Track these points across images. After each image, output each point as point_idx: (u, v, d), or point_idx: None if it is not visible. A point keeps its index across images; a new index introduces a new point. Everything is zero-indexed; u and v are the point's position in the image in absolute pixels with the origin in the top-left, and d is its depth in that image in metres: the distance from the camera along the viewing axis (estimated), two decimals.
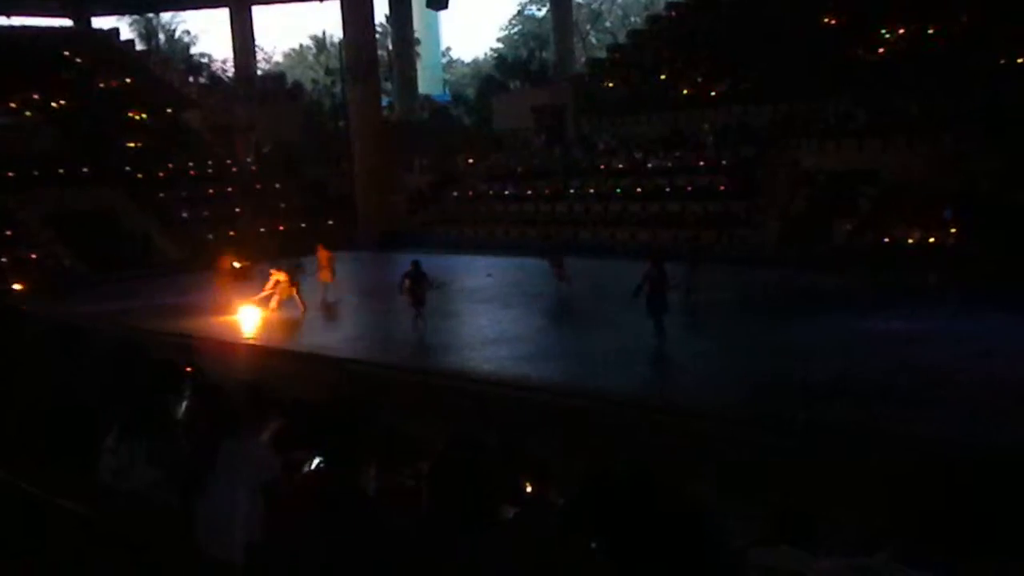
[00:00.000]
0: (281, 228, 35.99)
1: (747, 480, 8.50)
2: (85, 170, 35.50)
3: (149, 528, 4.21)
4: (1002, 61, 28.02)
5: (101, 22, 53.60)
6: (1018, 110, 25.07)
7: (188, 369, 7.11)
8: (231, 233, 34.00)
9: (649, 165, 34.84)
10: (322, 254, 25.05)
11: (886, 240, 25.47)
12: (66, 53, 42.96)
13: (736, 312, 20.62)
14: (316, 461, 4.81)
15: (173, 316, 22.05)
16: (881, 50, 32.60)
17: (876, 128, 28.82)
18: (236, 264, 27.18)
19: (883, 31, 32.99)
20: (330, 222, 37.80)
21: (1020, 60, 27.91)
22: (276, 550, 3.95)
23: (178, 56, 66.90)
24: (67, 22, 49.48)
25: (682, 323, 19.03)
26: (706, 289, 21.10)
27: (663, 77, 38.91)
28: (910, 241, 25.05)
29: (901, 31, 32.57)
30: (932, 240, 24.62)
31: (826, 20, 34.84)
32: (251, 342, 19.76)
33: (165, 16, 71.54)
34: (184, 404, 6.38)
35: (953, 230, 24.32)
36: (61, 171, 35.04)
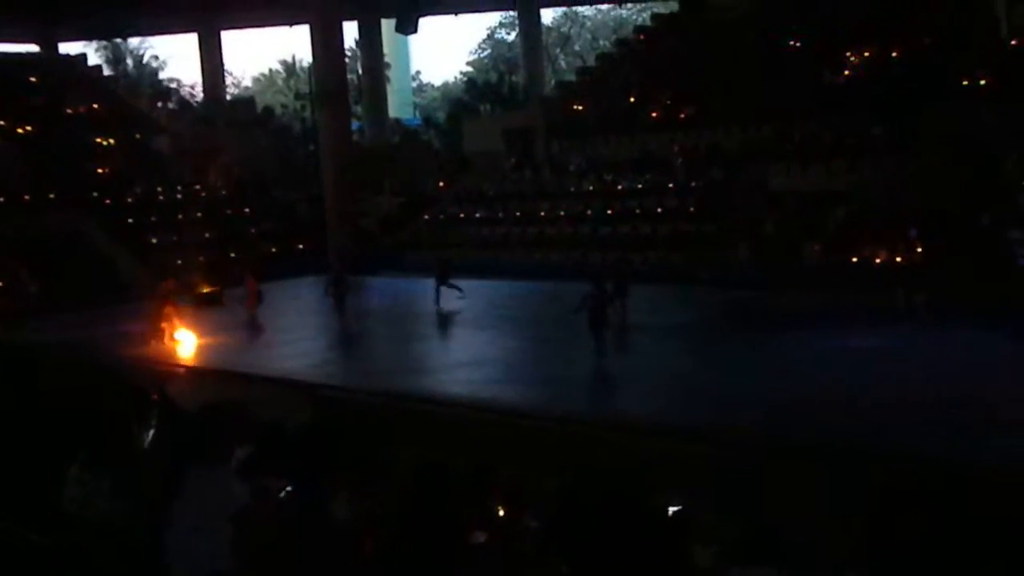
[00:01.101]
0: (252, 253, 35.78)
1: (719, 500, 8.50)
2: (52, 196, 35.18)
3: (114, 558, 4.14)
4: (965, 83, 28.44)
5: (68, 47, 53.41)
6: (981, 131, 25.45)
7: (154, 397, 7.02)
8: (200, 258, 33.75)
9: (619, 187, 35.00)
10: (251, 284, 25.30)
11: (854, 260, 25.68)
12: (33, 79, 42.64)
13: (705, 333, 20.70)
14: (286, 488, 4.76)
15: (139, 343, 21.82)
16: (847, 72, 32.99)
17: (843, 149, 29.14)
18: (206, 289, 27.07)
19: (848, 54, 33.39)
20: (300, 246, 37.65)
21: (982, 82, 28.33)
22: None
23: (146, 81, 66.64)
24: (34, 47, 49.17)
25: (655, 345, 19.11)
26: (678, 311, 21.23)
27: (632, 100, 39.14)
28: (877, 261, 25.28)
29: (866, 54, 32.98)
30: (899, 259, 24.86)
31: (792, 43, 35.23)
32: (217, 368, 19.58)
33: (133, 41, 71.32)
34: (151, 432, 6.29)
35: (919, 249, 24.58)
36: (27, 197, 34.71)
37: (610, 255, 31.23)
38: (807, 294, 22.83)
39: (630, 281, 20.94)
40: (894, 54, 32.03)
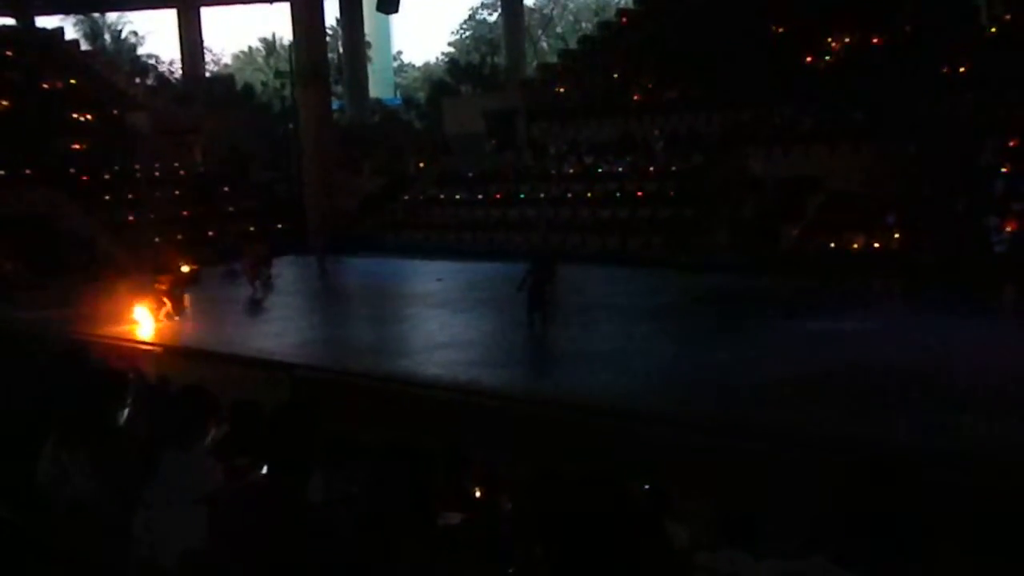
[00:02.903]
0: (230, 231, 35.59)
1: (692, 483, 8.57)
2: (28, 172, 34.83)
3: (88, 538, 4.13)
4: (944, 70, 28.58)
5: (45, 21, 52.74)
6: (958, 117, 25.62)
7: (130, 376, 6.98)
8: (178, 236, 33.55)
9: (600, 170, 35.02)
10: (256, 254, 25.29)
11: (832, 245, 25.85)
12: (8, 53, 42.12)
13: (685, 317, 20.77)
14: (263, 468, 4.76)
15: (116, 322, 21.69)
16: (828, 58, 33.10)
17: (822, 135, 29.25)
18: (183, 268, 26.86)
19: (830, 40, 33.49)
20: (279, 225, 37.48)
21: (961, 69, 28.48)
22: (215, 557, 3.89)
23: (124, 57, 65.95)
24: (10, 21, 48.54)
25: (631, 327, 19.18)
26: (652, 294, 21.30)
27: (614, 82, 39.14)
28: (855, 246, 25.45)
29: (847, 40, 33.09)
30: (876, 245, 25.04)
31: (774, 28, 35.29)
32: (193, 347, 19.50)
33: (111, 16, 70.47)
34: (125, 412, 6.27)
35: (896, 235, 24.76)
36: (2, 173, 34.34)
37: (593, 238, 31.49)
38: (784, 279, 22.97)
39: (555, 262, 20.94)
40: (874, 41, 32.16)
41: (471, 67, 64.62)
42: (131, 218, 35.24)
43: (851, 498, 2.84)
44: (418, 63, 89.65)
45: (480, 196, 37.01)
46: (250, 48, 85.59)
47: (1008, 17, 30.14)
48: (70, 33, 54.76)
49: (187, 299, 23.18)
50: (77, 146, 37.89)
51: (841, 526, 2.79)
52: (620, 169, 34.42)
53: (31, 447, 5.22)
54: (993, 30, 30.10)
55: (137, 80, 49.14)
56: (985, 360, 14.35)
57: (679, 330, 19.25)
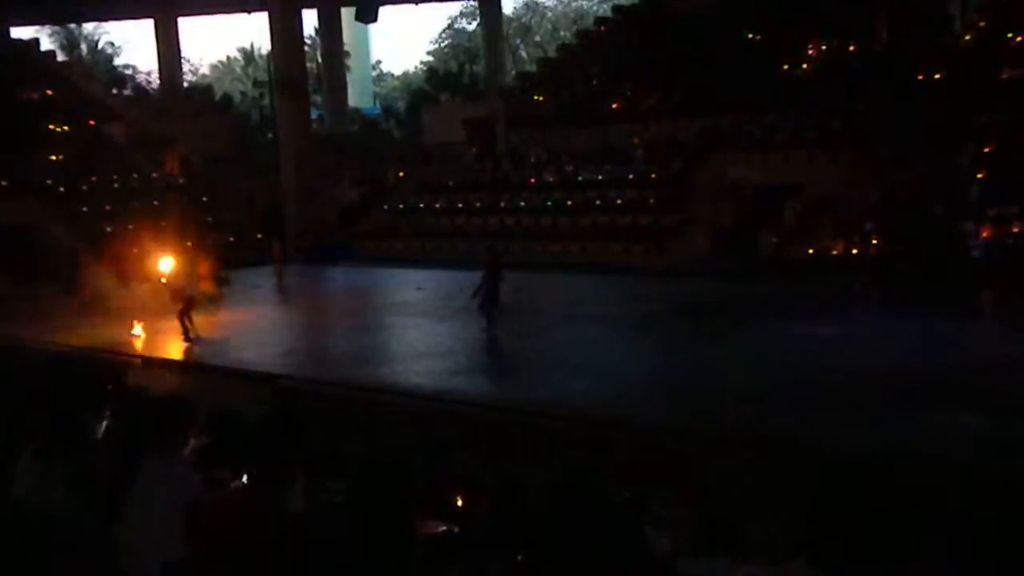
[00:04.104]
0: (208, 242, 35.40)
1: (674, 489, 8.58)
2: (3, 183, 34.57)
3: (66, 551, 4.09)
4: (920, 77, 28.82)
5: (21, 32, 52.41)
6: (934, 124, 25.81)
7: (108, 386, 6.94)
8: (156, 248, 33.32)
9: (580, 178, 35.08)
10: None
11: (811, 251, 25.98)
12: None
13: (664, 323, 20.82)
14: (242, 478, 4.74)
15: (94, 331, 21.53)
16: (805, 66, 33.31)
17: (800, 142, 29.43)
18: (162, 279, 26.63)
19: (807, 47, 33.71)
20: (258, 235, 37.33)
21: (936, 76, 28.72)
22: (195, 568, 3.87)
23: (102, 68, 65.58)
24: None
25: (611, 335, 19.21)
26: (632, 302, 21.33)
27: (592, 91, 39.25)
28: (834, 252, 25.59)
29: (824, 47, 33.32)
30: (855, 251, 25.18)
31: (751, 36, 35.49)
32: (174, 358, 19.39)
33: (88, 27, 70.09)
34: (104, 422, 6.23)
35: (875, 241, 24.92)
36: None
37: (573, 246, 31.55)
38: (762, 284, 23.10)
39: (502, 267, 20.94)
40: (851, 48, 32.39)
41: (450, 76, 64.67)
42: (109, 229, 35.02)
43: (830, 501, 2.85)
44: (397, 72, 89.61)
45: (460, 205, 37.01)
46: (228, 58, 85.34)
47: (982, 24, 30.44)
48: (46, 44, 54.39)
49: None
50: (54, 157, 37.64)
51: (821, 530, 2.80)
52: (600, 177, 34.51)
53: (8, 458, 5.18)
54: (968, 37, 30.38)
55: (114, 91, 48.95)
56: (952, 361, 14.53)
57: (658, 338, 19.29)
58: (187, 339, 20.40)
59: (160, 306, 22.29)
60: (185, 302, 20.66)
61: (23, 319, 23.19)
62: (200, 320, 21.08)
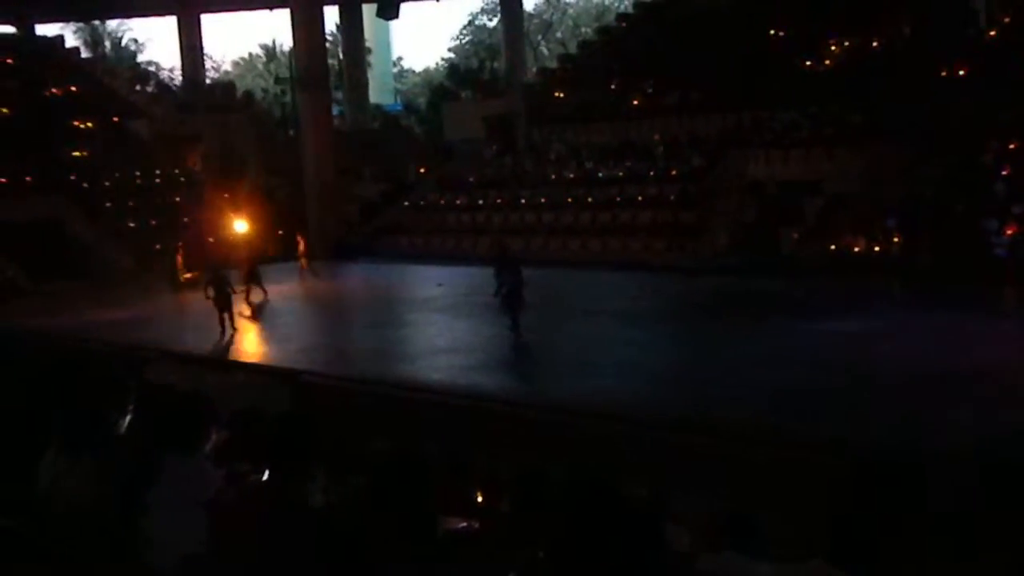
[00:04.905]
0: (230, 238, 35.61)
1: (693, 485, 8.57)
2: (29, 179, 34.88)
3: (90, 546, 4.13)
4: (943, 73, 28.59)
5: (45, 29, 52.79)
6: (958, 120, 25.61)
7: (132, 382, 6.99)
8: (179, 243, 33.61)
9: (600, 175, 35.02)
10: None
11: (832, 248, 25.82)
12: (9, 60, 42.17)
13: (685, 320, 20.78)
14: (264, 473, 4.76)
15: (118, 328, 21.70)
16: (827, 62, 33.11)
17: (822, 138, 29.25)
18: (186, 275, 26.88)
19: (829, 43, 33.50)
20: (280, 232, 37.48)
21: (960, 72, 28.49)
22: (217, 562, 3.90)
23: (125, 64, 66.00)
24: (10, 29, 48.59)
25: (637, 331, 19.17)
26: (653, 297, 21.30)
27: (613, 87, 39.15)
28: (856, 249, 25.42)
29: (846, 43, 33.10)
30: (877, 248, 25.00)
31: (773, 32, 35.31)
32: (198, 353, 19.50)
33: (111, 24, 70.61)
34: (127, 418, 6.26)
35: (896, 238, 24.73)
36: (4, 180, 34.38)
37: (593, 242, 31.50)
38: (783, 281, 23.01)
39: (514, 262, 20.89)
40: (873, 44, 32.17)
41: (471, 72, 64.68)
42: (132, 224, 35.29)
43: (848, 500, 2.85)
44: (418, 68, 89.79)
45: (480, 201, 37.01)
46: (250, 54, 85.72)
47: (1007, 19, 30.15)
48: (70, 41, 54.88)
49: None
50: (78, 153, 37.94)
51: (839, 529, 2.80)
52: (620, 173, 34.43)
53: (32, 454, 5.22)
54: (992, 32, 30.11)
55: (137, 87, 49.16)
56: (970, 361, 14.45)
57: (678, 334, 19.26)
58: (225, 335, 20.53)
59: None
60: (222, 300, 20.74)
61: (49, 314, 23.39)
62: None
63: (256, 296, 24.35)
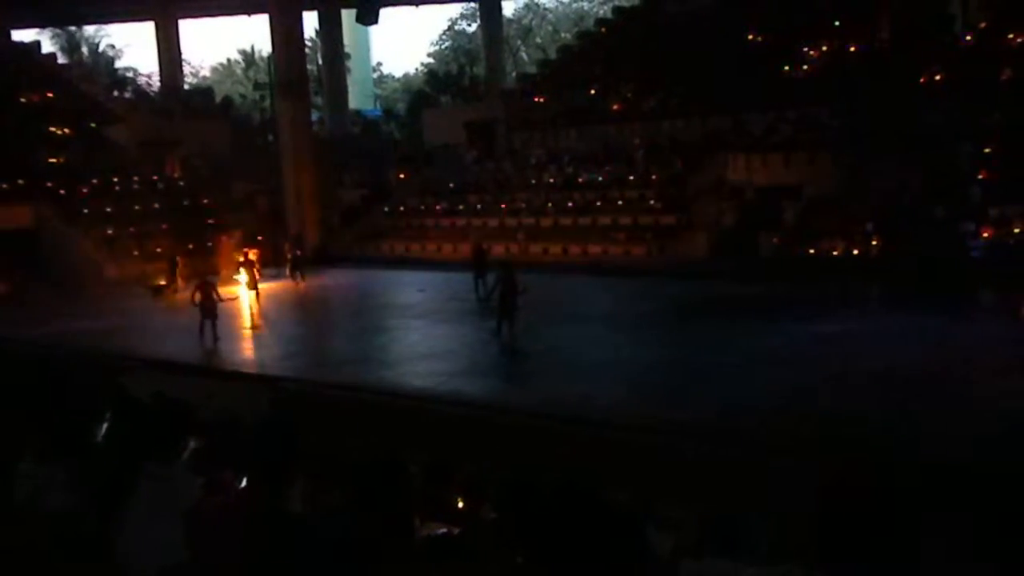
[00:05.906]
0: (209, 245, 35.48)
1: (675, 489, 8.56)
2: (5, 186, 34.57)
3: (66, 553, 4.08)
4: (921, 79, 28.81)
5: (22, 35, 52.46)
6: (935, 124, 25.82)
7: (108, 391, 6.93)
8: (158, 250, 33.43)
9: (580, 179, 35.11)
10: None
11: (811, 252, 25.96)
12: None
13: (664, 324, 20.81)
14: (242, 480, 4.73)
15: (95, 336, 21.51)
16: (806, 67, 33.31)
17: (801, 143, 29.44)
18: (160, 282, 26.70)
19: (807, 49, 33.71)
20: (259, 238, 37.31)
21: (937, 76, 28.72)
22: (195, 570, 3.86)
23: (102, 70, 65.66)
24: None
25: (618, 335, 19.19)
26: (634, 301, 21.30)
27: (593, 92, 39.27)
28: (835, 253, 25.57)
29: (825, 48, 33.33)
30: (856, 252, 25.16)
31: (752, 38, 35.50)
32: (177, 361, 19.35)
33: (89, 29, 70.21)
34: (105, 426, 6.21)
35: (875, 242, 24.90)
36: None
37: (573, 247, 31.55)
38: (762, 284, 23.11)
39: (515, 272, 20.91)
40: (852, 49, 32.40)
41: (451, 77, 64.74)
42: (109, 231, 35.04)
43: (830, 503, 2.84)
44: (398, 74, 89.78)
45: (461, 206, 37.02)
46: (229, 60, 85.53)
47: (983, 25, 30.43)
48: (47, 47, 54.42)
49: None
50: (55, 160, 37.63)
51: (821, 531, 2.79)
52: (600, 178, 34.54)
53: (9, 461, 5.17)
54: (969, 38, 30.37)
55: (115, 93, 48.92)
56: (948, 360, 14.56)
57: (658, 338, 19.27)
58: (205, 342, 20.39)
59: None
60: (209, 310, 20.59)
61: (26, 322, 23.17)
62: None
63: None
